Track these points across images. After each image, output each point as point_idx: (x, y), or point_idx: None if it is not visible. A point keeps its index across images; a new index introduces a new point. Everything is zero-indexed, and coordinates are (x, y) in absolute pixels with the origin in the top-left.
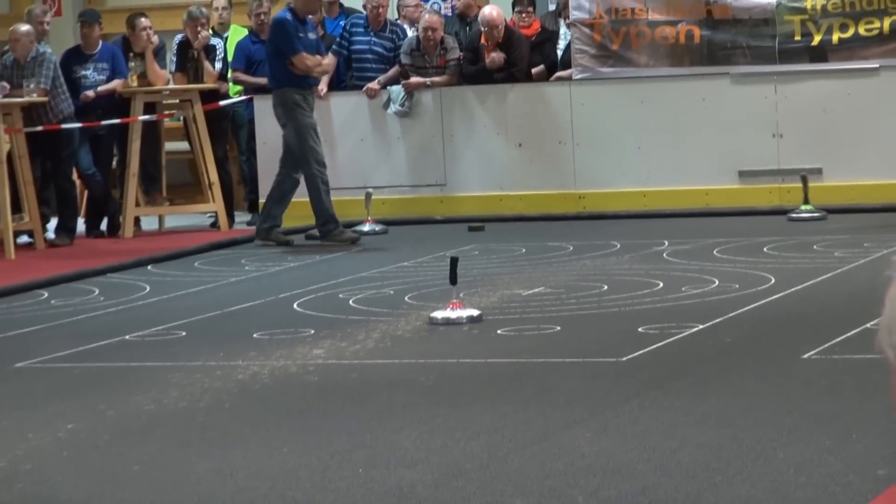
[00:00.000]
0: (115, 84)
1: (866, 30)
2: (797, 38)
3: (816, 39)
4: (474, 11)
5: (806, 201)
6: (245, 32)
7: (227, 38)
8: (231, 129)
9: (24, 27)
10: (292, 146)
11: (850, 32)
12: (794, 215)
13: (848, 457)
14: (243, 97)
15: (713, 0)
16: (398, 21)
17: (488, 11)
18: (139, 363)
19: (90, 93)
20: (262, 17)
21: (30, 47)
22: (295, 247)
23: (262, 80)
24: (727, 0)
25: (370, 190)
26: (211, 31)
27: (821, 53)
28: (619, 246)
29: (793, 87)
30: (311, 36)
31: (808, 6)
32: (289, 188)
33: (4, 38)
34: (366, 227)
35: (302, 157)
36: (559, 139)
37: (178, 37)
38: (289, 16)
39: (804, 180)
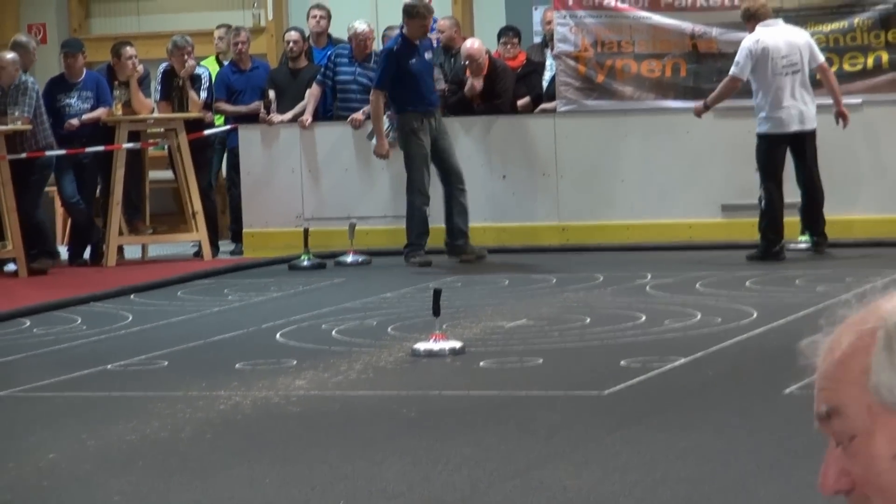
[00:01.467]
0: (100, 112)
1: (850, 65)
2: None
3: None
4: (459, 43)
5: (804, 232)
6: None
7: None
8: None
9: (10, 55)
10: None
11: (835, 67)
12: (793, 246)
13: None
14: (227, 126)
15: (698, 34)
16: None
17: (469, 44)
18: (121, 393)
19: (74, 121)
20: (241, 46)
21: (15, 75)
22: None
23: (243, 109)
24: (712, 34)
25: (354, 220)
26: (215, 59)
27: None
28: (602, 278)
29: None
30: (427, 56)
31: None
32: (449, 204)
33: None
34: (349, 258)
35: (408, 184)
36: (543, 171)
37: (163, 66)
38: (395, 45)
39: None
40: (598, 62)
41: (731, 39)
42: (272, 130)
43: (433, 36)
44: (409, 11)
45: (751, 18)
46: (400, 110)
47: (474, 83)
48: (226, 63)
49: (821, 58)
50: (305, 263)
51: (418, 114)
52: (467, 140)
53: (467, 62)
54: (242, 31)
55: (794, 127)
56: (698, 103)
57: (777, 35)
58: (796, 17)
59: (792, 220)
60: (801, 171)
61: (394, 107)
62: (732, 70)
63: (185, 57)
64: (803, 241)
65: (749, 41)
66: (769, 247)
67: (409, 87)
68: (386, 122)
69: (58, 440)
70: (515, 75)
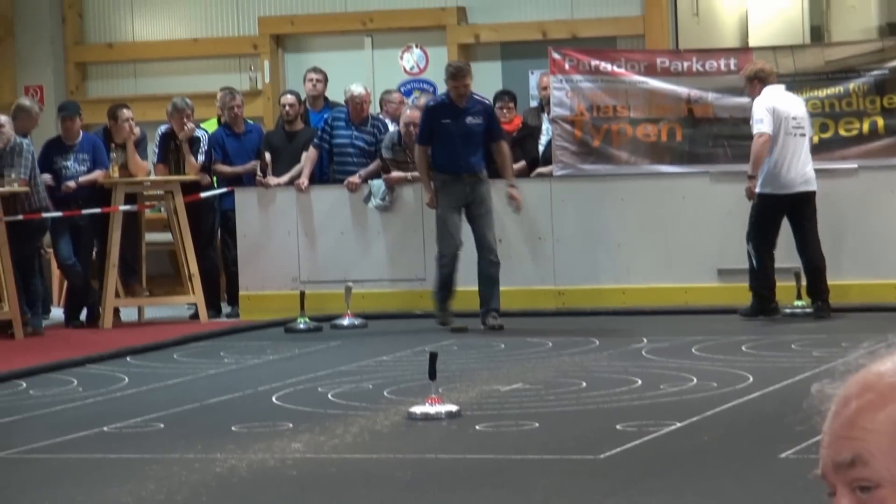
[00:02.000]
0: (97, 175)
1: (846, 130)
2: None
3: None
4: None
5: (799, 296)
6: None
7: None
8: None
9: (3, 117)
10: None
11: (830, 132)
12: (789, 311)
13: None
14: (223, 189)
15: (694, 99)
16: (380, 115)
17: (409, 112)
18: (117, 455)
19: (71, 183)
20: (236, 109)
21: (9, 137)
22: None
23: (240, 170)
24: (708, 99)
25: (350, 283)
26: (217, 121)
27: None
28: (597, 342)
29: None
30: (471, 120)
31: None
32: (479, 275)
33: None
34: (345, 321)
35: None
36: (539, 235)
37: (162, 128)
38: (432, 101)
39: (797, 277)
40: (594, 126)
41: (726, 104)
42: (268, 193)
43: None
44: (446, 71)
45: (761, 80)
46: (433, 167)
47: None
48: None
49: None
50: (301, 326)
51: (446, 175)
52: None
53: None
54: (237, 94)
55: (799, 188)
56: (748, 183)
57: (787, 98)
58: (792, 83)
59: (785, 286)
60: (803, 235)
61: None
62: (760, 128)
63: (185, 120)
64: (799, 306)
65: (765, 101)
66: (763, 303)
67: (440, 146)
68: (382, 186)
69: (53, 503)
70: (511, 139)
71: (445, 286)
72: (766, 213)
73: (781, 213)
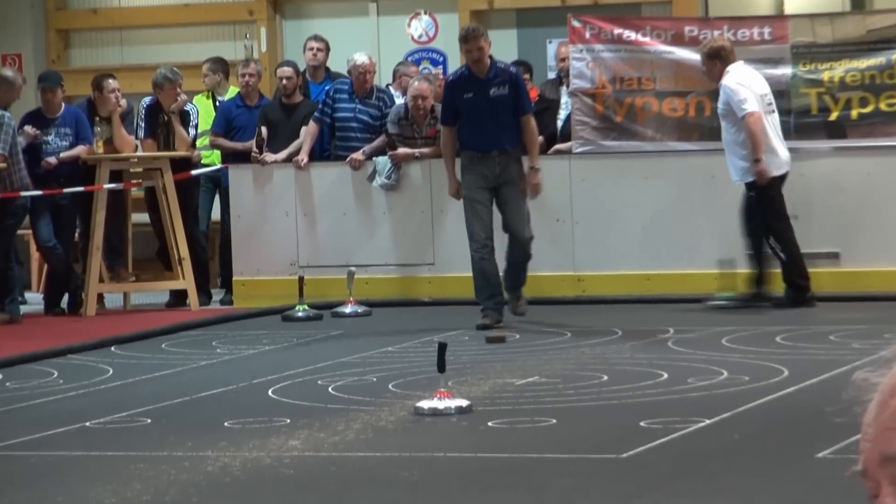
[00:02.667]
0: (79, 150)
1: (888, 105)
2: (814, 112)
3: (834, 114)
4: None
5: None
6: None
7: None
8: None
9: None
10: None
11: (871, 108)
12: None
13: None
14: (217, 166)
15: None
16: (389, 87)
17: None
18: (100, 452)
19: (52, 159)
20: (248, 79)
21: None
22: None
23: (240, 146)
24: None
25: (353, 269)
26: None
27: (839, 129)
28: (620, 333)
29: (809, 164)
30: (495, 91)
31: (826, 78)
32: (509, 259)
33: None
34: (347, 309)
35: None
36: (557, 217)
37: (147, 100)
38: (453, 75)
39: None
40: (616, 100)
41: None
42: (265, 171)
43: (437, 69)
44: (459, 37)
45: (723, 60)
46: (459, 146)
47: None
48: (221, 99)
49: None
50: (300, 314)
51: (470, 153)
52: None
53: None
54: (253, 62)
55: (786, 168)
56: (757, 168)
57: (754, 74)
58: (830, 53)
59: (812, 271)
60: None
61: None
62: (747, 108)
63: (177, 90)
64: (724, 297)
65: (736, 79)
66: (800, 293)
67: (465, 124)
68: (388, 163)
69: (32, 503)
70: None
71: (485, 280)
72: (777, 197)
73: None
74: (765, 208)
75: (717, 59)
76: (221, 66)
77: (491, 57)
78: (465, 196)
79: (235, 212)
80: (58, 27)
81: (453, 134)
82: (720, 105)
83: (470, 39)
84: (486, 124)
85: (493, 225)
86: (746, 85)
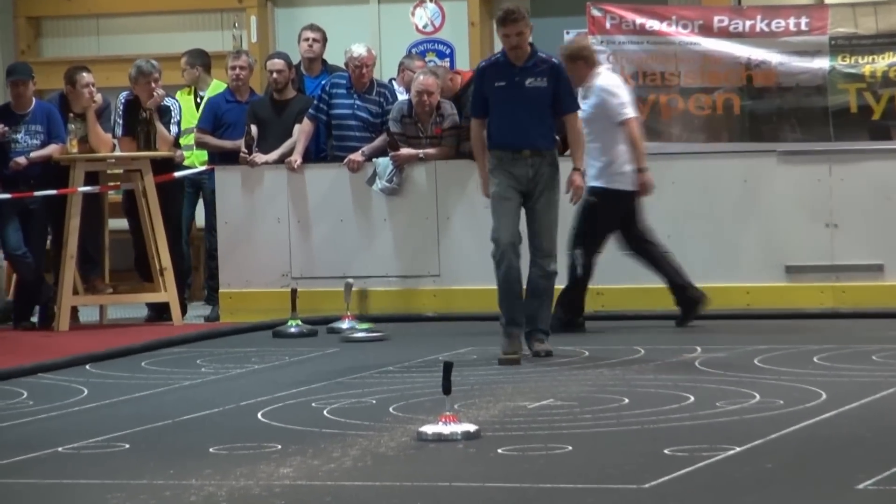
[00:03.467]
0: (52, 150)
1: None
2: (853, 110)
3: (877, 112)
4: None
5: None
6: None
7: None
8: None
9: None
10: None
11: None
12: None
13: None
14: (203, 168)
15: (755, 64)
16: (392, 82)
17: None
18: (73, 480)
19: (21, 159)
20: (239, 72)
21: None
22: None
23: (228, 144)
24: (771, 64)
25: (350, 280)
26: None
27: (882, 129)
28: (642, 352)
29: (850, 168)
30: (531, 82)
31: (867, 73)
32: (530, 280)
33: None
34: (344, 324)
35: None
36: (572, 203)
37: (124, 95)
38: (485, 62)
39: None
40: (639, 96)
41: (793, 71)
42: (254, 173)
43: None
44: (496, 19)
45: (588, 62)
46: (488, 144)
47: None
48: (203, 94)
49: None
50: (293, 330)
51: (498, 153)
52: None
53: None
54: (244, 54)
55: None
56: (642, 178)
57: (619, 81)
58: (872, 45)
59: (850, 286)
60: (635, 236)
61: None
62: (629, 112)
63: (153, 85)
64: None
65: (613, 81)
66: (576, 315)
67: (494, 117)
68: (389, 165)
69: None
70: None
71: (509, 291)
72: (614, 213)
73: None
74: (597, 220)
75: (581, 60)
76: (200, 59)
77: (532, 45)
78: (492, 192)
79: (222, 218)
80: (28, 14)
81: (482, 127)
82: (587, 108)
83: (508, 23)
84: (518, 119)
85: (520, 230)
86: (623, 88)
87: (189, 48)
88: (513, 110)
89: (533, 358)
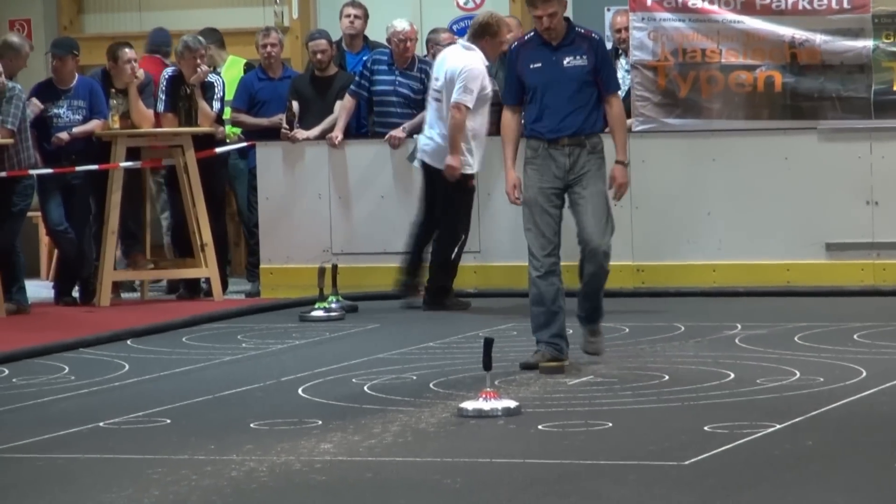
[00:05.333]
0: (94, 125)
1: None
2: None
3: None
4: None
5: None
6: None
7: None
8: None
9: None
10: None
11: None
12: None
13: None
14: (243, 143)
15: (799, 41)
16: (427, 58)
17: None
18: (115, 455)
19: (64, 135)
20: (270, 49)
21: (3, 83)
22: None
23: (265, 122)
24: (815, 42)
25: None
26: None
27: None
28: (683, 329)
29: (891, 145)
30: (570, 61)
31: None
32: (581, 276)
33: None
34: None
35: None
36: (615, 201)
37: (169, 70)
38: (518, 42)
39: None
40: (680, 73)
41: (836, 49)
42: (296, 149)
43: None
44: None
45: (497, 36)
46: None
47: None
48: (219, 71)
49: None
50: (333, 306)
51: (534, 143)
52: (519, 164)
53: None
54: (273, 31)
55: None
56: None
57: None
58: None
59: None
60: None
61: None
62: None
63: (198, 61)
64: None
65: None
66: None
67: (529, 102)
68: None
69: None
70: None
71: (540, 304)
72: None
73: None
74: (466, 204)
75: (488, 36)
76: (212, 37)
77: (568, 20)
78: (524, 198)
79: (263, 193)
80: None
81: (515, 115)
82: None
83: (539, 3)
84: (557, 103)
85: (559, 236)
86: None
87: (231, 24)
88: (550, 94)
89: (586, 354)
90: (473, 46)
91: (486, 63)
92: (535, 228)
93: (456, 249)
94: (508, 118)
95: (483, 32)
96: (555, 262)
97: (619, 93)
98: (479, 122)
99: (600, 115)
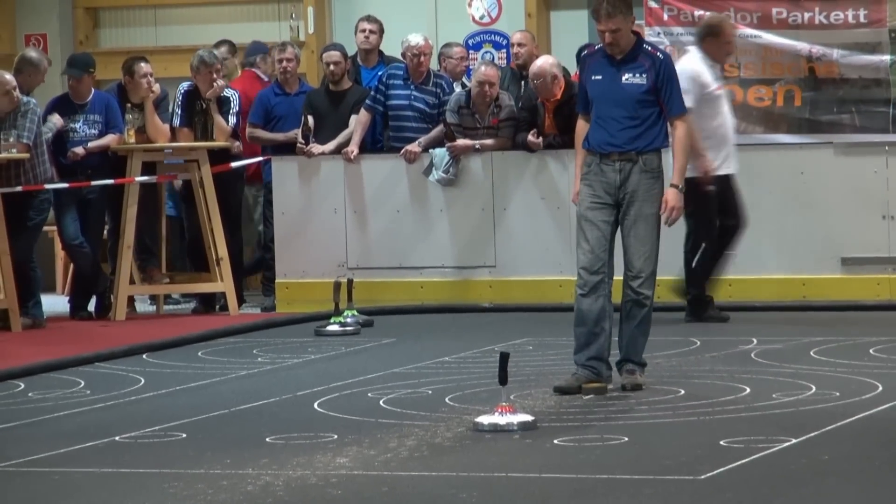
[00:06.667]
0: (109, 139)
1: None
2: None
3: None
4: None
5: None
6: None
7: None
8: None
9: (8, 76)
10: None
11: None
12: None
13: None
14: (259, 158)
15: (817, 56)
16: (440, 72)
17: (540, 62)
18: (130, 469)
19: (80, 149)
20: (286, 64)
21: (19, 98)
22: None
23: (281, 137)
24: (833, 56)
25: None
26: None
27: None
28: (698, 343)
29: None
30: (629, 78)
31: None
32: (622, 304)
33: None
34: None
35: None
36: (665, 225)
37: (184, 85)
38: (587, 52)
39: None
40: None
41: (854, 63)
42: (311, 163)
43: (500, 55)
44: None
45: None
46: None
47: (531, 141)
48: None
49: None
50: (348, 321)
51: (589, 156)
52: (541, 178)
53: (537, 82)
54: (289, 46)
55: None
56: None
57: None
58: None
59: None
60: None
61: None
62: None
63: (214, 76)
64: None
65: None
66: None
67: (592, 113)
68: (446, 156)
69: None
70: None
71: (581, 323)
72: None
73: None
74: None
75: (710, 35)
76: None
77: (637, 34)
78: (578, 212)
79: (279, 208)
80: (86, 5)
81: (587, 124)
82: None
83: (602, 18)
84: (610, 117)
85: (609, 253)
86: None
87: (246, 39)
88: (605, 108)
89: (622, 392)
90: (692, 49)
91: (711, 63)
92: (584, 244)
93: (697, 257)
94: (581, 126)
95: (705, 34)
96: (601, 280)
97: (686, 115)
98: (712, 123)
99: (660, 134)
